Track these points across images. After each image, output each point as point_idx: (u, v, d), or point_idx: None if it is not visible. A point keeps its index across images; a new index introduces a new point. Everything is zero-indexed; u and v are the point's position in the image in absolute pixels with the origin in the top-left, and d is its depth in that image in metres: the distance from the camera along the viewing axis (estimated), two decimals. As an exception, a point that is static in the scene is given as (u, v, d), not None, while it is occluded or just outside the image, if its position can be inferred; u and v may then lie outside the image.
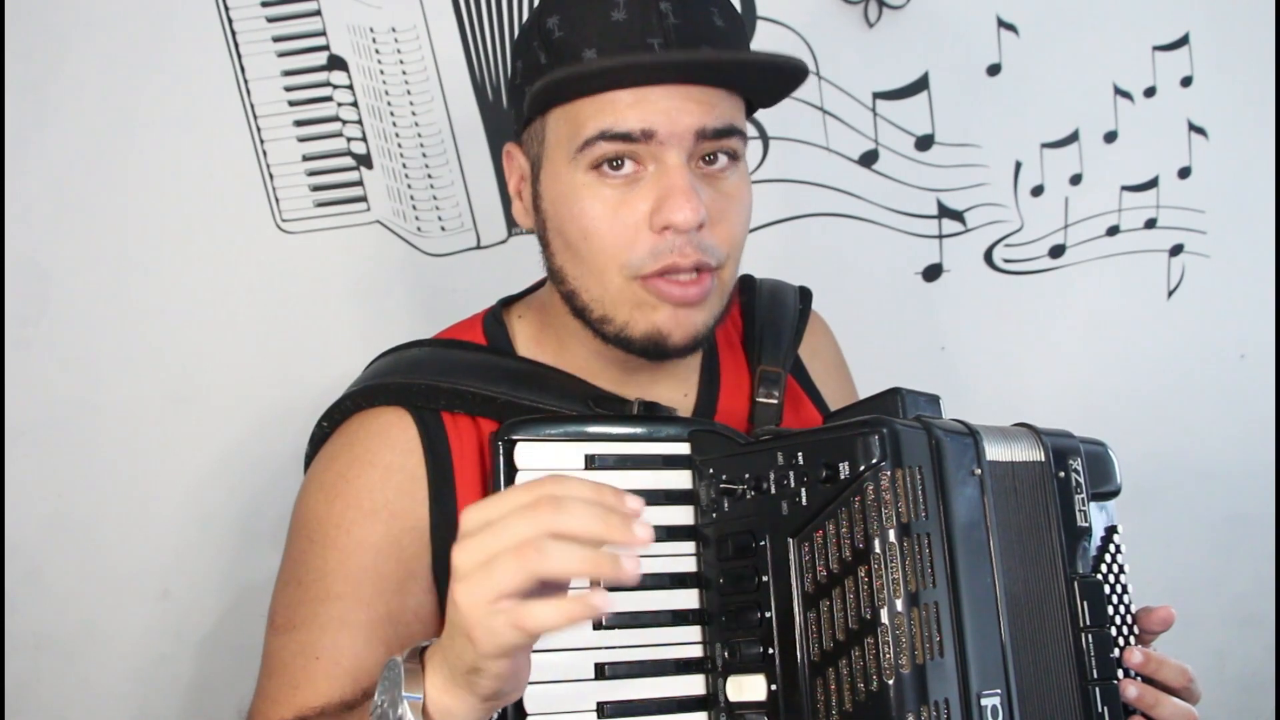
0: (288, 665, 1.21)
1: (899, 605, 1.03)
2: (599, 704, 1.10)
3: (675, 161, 1.20)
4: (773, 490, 1.11)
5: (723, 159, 1.25)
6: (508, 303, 1.45)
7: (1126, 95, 2.12)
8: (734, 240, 1.27)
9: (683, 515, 1.18)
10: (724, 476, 1.16)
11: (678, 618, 1.15)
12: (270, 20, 1.86)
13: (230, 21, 1.84)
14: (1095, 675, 1.18)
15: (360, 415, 1.31)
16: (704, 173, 1.24)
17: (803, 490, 1.09)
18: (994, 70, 2.07)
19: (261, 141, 1.86)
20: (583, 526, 0.89)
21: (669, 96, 1.20)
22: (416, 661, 1.00)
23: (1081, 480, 1.24)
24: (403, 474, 1.25)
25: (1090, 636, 1.19)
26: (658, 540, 1.15)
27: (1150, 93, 2.13)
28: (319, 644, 1.20)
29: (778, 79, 1.27)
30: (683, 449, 1.20)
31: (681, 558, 1.17)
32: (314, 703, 1.18)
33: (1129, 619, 1.26)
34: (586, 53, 1.20)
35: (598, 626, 1.12)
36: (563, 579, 0.91)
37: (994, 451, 1.16)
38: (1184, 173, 2.15)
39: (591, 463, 1.16)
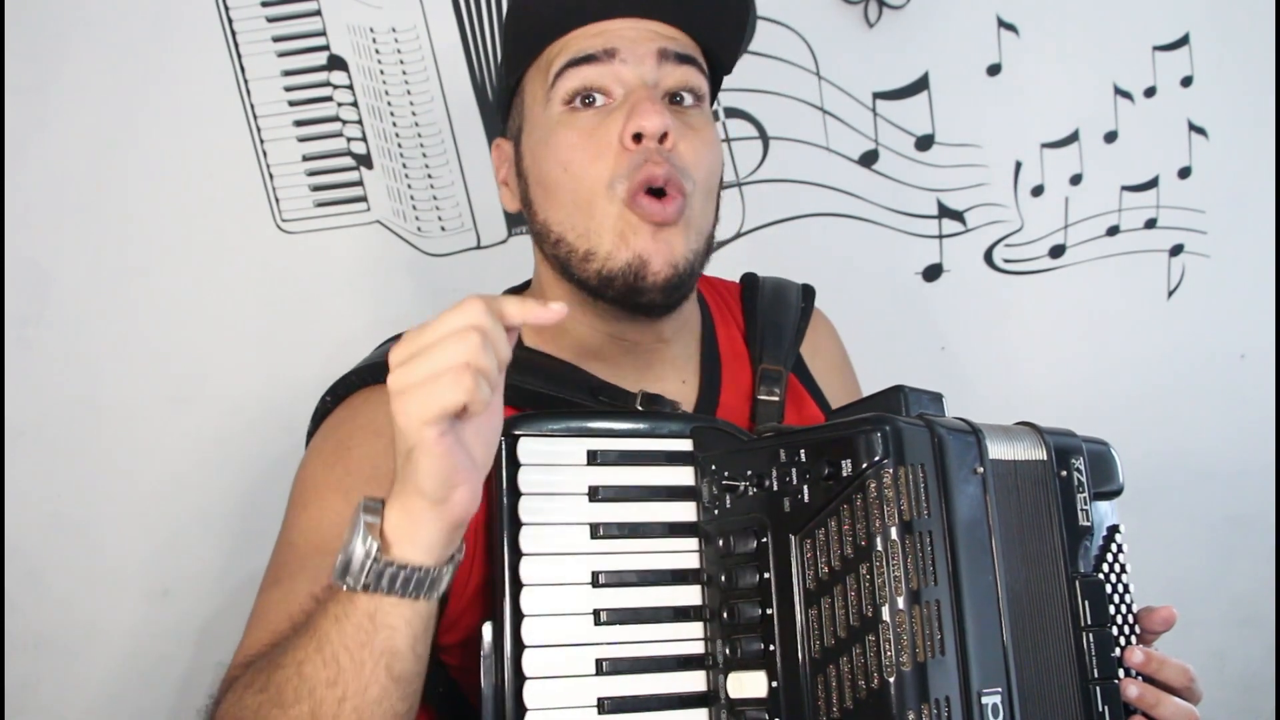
0: (270, 614, 1.19)
1: (900, 603, 1.03)
2: (599, 699, 1.10)
3: (639, 81, 1.29)
4: (775, 487, 1.11)
5: (688, 98, 1.33)
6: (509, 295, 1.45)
7: (1126, 95, 2.12)
8: (701, 167, 1.32)
9: (685, 511, 1.17)
10: (726, 473, 1.15)
11: (679, 614, 1.15)
12: (270, 20, 1.86)
13: (230, 21, 1.85)
14: (1096, 674, 1.18)
15: (365, 390, 1.32)
16: (671, 108, 1.31)
17: (805, 487, 1.09)
18: (994, 70, 2.08)
19: (261, 141, 1.86)
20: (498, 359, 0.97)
21: (629, 26, 1.31)
22: (378, 502, 1.02)
23: (1084, 479, 1.24)
24: None
25: (1091, 635, 1.19)
26: (659, 536, 1.16)
27: (1150, 93, 2.13)
28: (303, 592, 1.17)
29: (721, 13, 1.35)
30: (685, 445, 1.19)
31: (683, 554, 1.16)
32: None
33: (1130, 618, 1.26)
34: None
35: (599, 622, 1.12)
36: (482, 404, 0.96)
37: (996, 450, 1.15)
38: (1184, 173, 2.16)
39: (594, 458, 1.15)
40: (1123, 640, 1.23)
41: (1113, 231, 2.15)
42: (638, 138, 1.26)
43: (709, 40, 1.37)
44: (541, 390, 1.28)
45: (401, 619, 1.00)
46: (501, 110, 1.42)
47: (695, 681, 1.14)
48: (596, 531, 1.13)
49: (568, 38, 1.30)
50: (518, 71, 1.36)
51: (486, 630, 1.11)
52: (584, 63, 1.29)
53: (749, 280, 1.55)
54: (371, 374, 1.32)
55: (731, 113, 2.01)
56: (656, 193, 1.27)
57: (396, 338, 1.38)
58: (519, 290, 1.48)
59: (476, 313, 0.96)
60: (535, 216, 1.35)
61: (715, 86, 1.41)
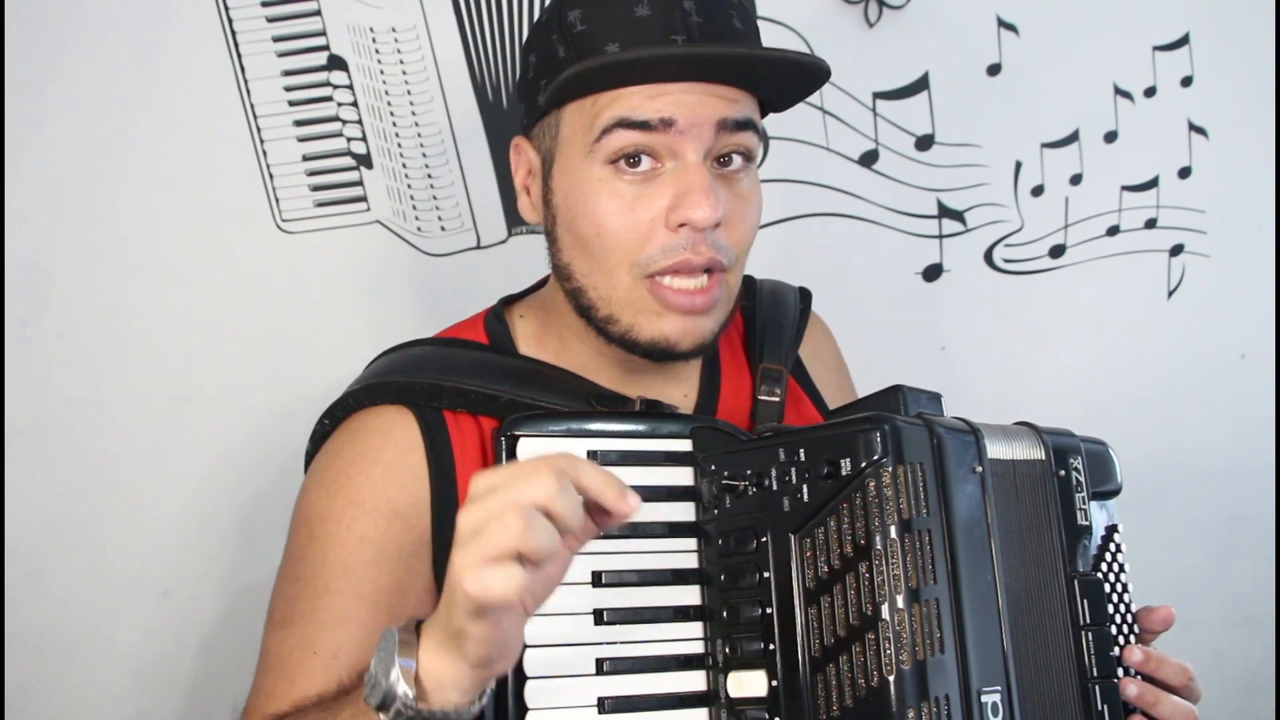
0: (285, 659, 1.21)
1: (900, 601, 1.03)
2: (600, 699, 1.10)
3: (694, 158, 1.21)
4: (774, 486, 1.11)
5: (737, 160, 1.25)
6: (509, 302, 1.44)
7: (1126, 95, 2.12)
8: (744, 242, 1.27)
9: (684, 512, 1.18)
10: (726, 473, 1.16)
11: (679, 613, 1.15)
12: (270, 20, 1.86)
13: (230, 21, 1.85)
14: (1095, 673, 1.18)
15: (362, 413, 1.31)
16: (719, 173, 1.24)
17: (804, 486, 1.09)
18: (994, 70, 2.08)
19: (261, 141, 1.86)
20: (569, 510, 0.91)
21: (689, 90, 1.20)
22: (412, 632, 1.00)
23: (1082, 479, 1.24)
24: (404, 471, 1.25)
25: (1090, 634, 1.19)
26: (660, 536, 1.16)
27: (1150, 93, 2.13)
28: (316, 638, 1.20)
29: (798, 79, 1.27)
30: (685, 446, 1.20)
31: (683, 554, 1.17)
32: (310, 696, 1.17)
33: (1129, 617, 1.26)
34: (609, 46, 1.20)
35: (599, 621, 1.12)
36: (540, 554, 0.91)
37: (995, 449, 1.16)
38: (1184, 173, 2.16)
39: (594, 459, 1.16)
40: (1122, 639, 1.23)
41: (1113, 231, 2.15)
42: (683, 223, 1.21)
43: (773, 97, 1.30)
44: (539, 400, 1.28)
45: None
46: (525, 105, 1.32)
47: (695, 681, 1.14)
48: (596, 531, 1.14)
49: (621, 90, 1.20)
50: (557, 101, 1.25)
51: (487, 629, 1.11)
52: (637, 128, 1.19)
53: (746, 282, 1.54)
54: (368, 395, 1.31)
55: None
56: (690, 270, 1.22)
57: (389, 352, 1.39)
58: (524, 296, 1.46)
59: (545, 485, 0.91)
60: (559, 254, 1.29)
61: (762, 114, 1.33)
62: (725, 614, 1.13)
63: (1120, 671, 1.20)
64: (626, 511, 0.94)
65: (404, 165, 1.91)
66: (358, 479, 1.25)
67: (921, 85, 2.05)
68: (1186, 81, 2.14)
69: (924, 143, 2.07)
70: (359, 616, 1.21)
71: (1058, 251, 2.14)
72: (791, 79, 1.26)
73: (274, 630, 1.25)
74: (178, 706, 1.85)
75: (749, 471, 1.14)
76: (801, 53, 1.24)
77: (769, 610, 1.10)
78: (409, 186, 1.91)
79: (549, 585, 0.97)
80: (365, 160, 1.89)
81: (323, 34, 1.87)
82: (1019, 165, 2.11)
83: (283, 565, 1.28)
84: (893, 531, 1.04)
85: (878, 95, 2.05)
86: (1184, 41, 2.13)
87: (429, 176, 1.92)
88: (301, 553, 1.26)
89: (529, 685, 1.08)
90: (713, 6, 1.22)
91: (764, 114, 1.33)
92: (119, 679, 1.83)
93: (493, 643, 0.94)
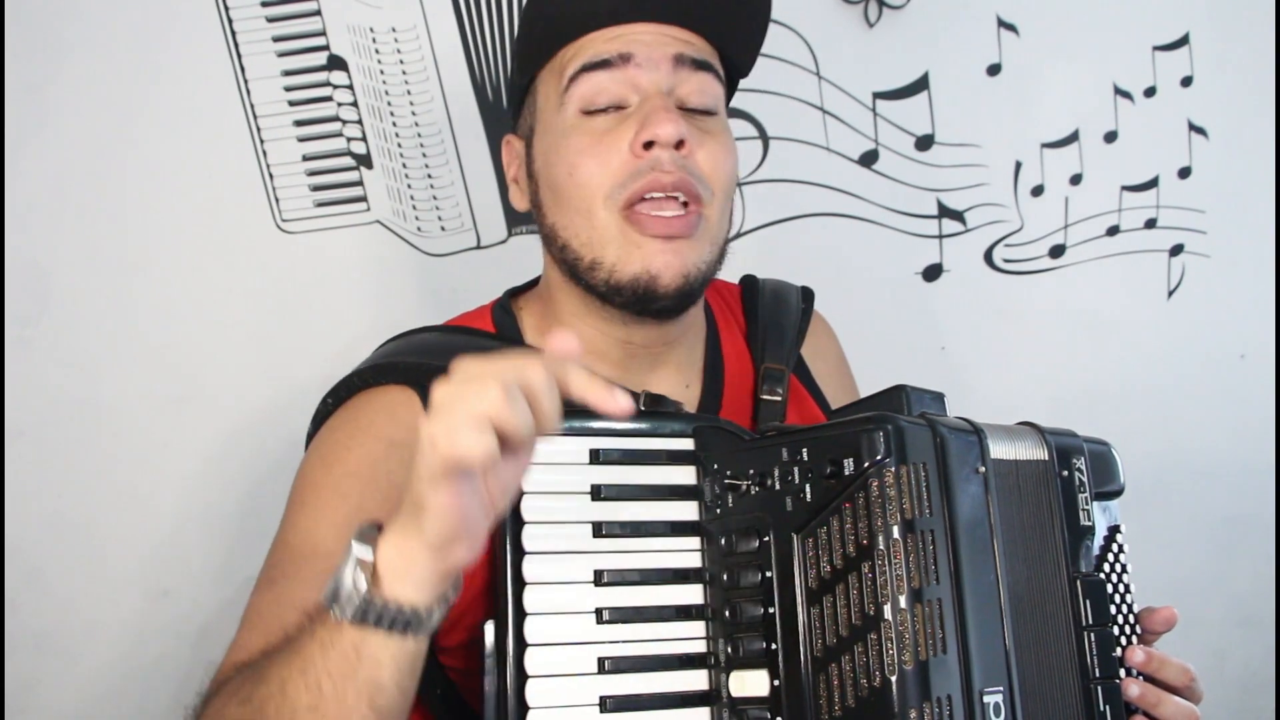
0: (263, 615, 1.20)
1: (902, 601, 1.03)
2: (602, 698, 1.10)
3: (654, 88, 1.27)
4: (777, 486, 1.11)
5: (704, 106, 1.31)
6: (514, 295, 1.45)
7: (1126, 95, 2.12)
8: (718, 175, 1.30)
9: (687, 511, 1.18)
10: (729, 472, 1.16)
11: (681, 613, 1.15)
12: (270, 20, 1.85)
13: (230, 21, 1.84)
14: (1097, 674, 1.18)
15: (366, 392, 1.31)
16: (686, 115, 1.29)
17: (807, 486, 1.09)
18: (994, 70, 2.08)
19: (261, 141, 1.86)
20: (549, 398, 0.92)
21: (646, 30, 1.29)
22: (374, 528, 1.01)
23: (1085, 479, 1.25)
24: (406, 450, 1.23)
25: (1093, 635, 1.19)
26: (662, 535, 1.16)
27: (1150, 93, 2.13)
28: (297, 596, 1.17)
29: (743, 9, 1.33)
30: (687, 445, 1.20)
31: (685, 553, 1.16)
32: None
33: (1131, 618, 1.26)
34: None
35: (601, 621, 1.12)
36: (514, 429, 0.91)
37: (998, 449, 1.16)
38: (1184, 173, 2.16)
39: (596, 457, 1.15)
40: (1124, 640, 1.23)
41: (1113, 231, 2.15)
42: (649, 145, 1.25)
43: (727, 44, 1.35)
44: None
45: (387, 654, 0.99)
46: (513, 107, 1.41)
47: (697, 680, 1.14)
48: (599, 530, 1.14)
49: (582, 41, 1.29)
50: (530, 71, 1.34)
51: (489, 629, 1.11)
52: (598, 68, 1.27)
53: (749, 282, 1.55)
54: (373, 375, 1.31)
55: (732, 113, 2.00)
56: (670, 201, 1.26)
57: (398, 338, 1.39)
58: (524, 290, 1.47)
59: (529, 370, 0.92)
60: (544, 219, 1.34)
61: (730, 90, 1.40)
62: (727, 613, 1.13)
63: (1122, 672, 1.21)
64: (615, 410, 0.94)
65: (404, 165, 1.91)
66: (357, 451, 1.26)
67: (921, 85, 2.06)
68: (1186, 81, 2.14)
69: (924, 143, 2.07)
70: None
71: (1058, 251, 2.14)
72: (732, 16, 1.33)
73: (258, 591, 1.24)
74: (177, 705, 1.84)
75: (752, 471, 1.14)
76: None
77: (771, 610, 1.10)
78: (409, 186, 1.91)
79: (512, 481, 0.98)
80: (365, 160, 1.89)
81: (323, 34, 1.87)
82: (1019, 165, 2.11)
83: (276, 534, 1.28)
84: (895, 531, 1.04)
85: (878, 95, 2.05)
86: (1184, 41, 2.13)
87: (429, 176, 1.92)
88: (294, 520, 1.26)
89: (530, 684, 1.08)
90: None
91: (733, 82, 1.40)
92: (119, 678, 1.83)
93: (453, 518, 0.93)
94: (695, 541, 1.17)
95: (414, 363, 1.30)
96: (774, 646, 1.09)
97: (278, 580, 1.22)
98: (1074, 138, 2.11)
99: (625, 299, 1.28)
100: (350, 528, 1.19)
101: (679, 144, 1.25)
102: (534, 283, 1.47)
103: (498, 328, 1.39)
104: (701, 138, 1.28)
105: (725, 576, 1.14)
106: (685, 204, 1.26)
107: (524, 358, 0.93)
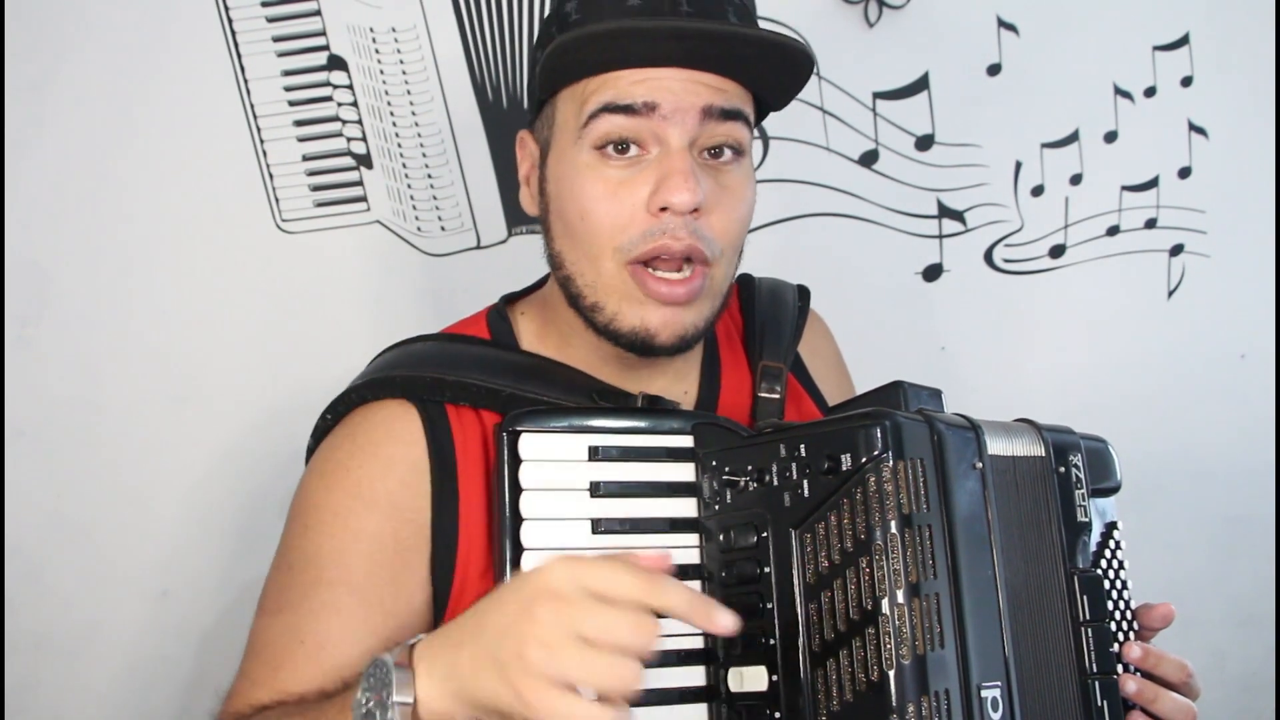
0: (271, 646, 1.20)
1: (900, 596, 1.03)
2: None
3: (678, 144, 1.22)
4: (775, 482, 1.11)
5: (728, 153, 1.26)
6: (511, 299, 1.45)
7: (1126, 95, 2.12)
8: (730, 235, 1.27)
9: (685, 507, 1.18)
10: (726, 469, 1.16)
11: (680, 610, 1.15)
12: (270, 20, 1.86)
13: (230, 21, 1.85)
14: (1095, 669, 1.18)
15: (364, 407, 1.30)
16: (707, 164, 1.25)
17: (805, 482, 1.09)
18: (994, 70, 2.08)
19: (261, 141, 1.86)
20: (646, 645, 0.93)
21: (675, 77, 1.21)
22: (406, 660, 1.00)
23: (1082, 476, 1.25)
24: (405, 465, 1.25)
25: (1090, 630, 1.19)
26: (660, 532, 1.16)
27: (1150, 93, 2.13)
28: (305, 627, 1.18)
29: (782, 63, 1.26)
30: (686, 441, 1.20)
31: (684, 549, 1.16)
32: (294, 688, 1.16)
33: (1128, 614, 1.26)
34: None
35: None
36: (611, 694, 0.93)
37: (995, 446, 1.16)
38: (1184, 173, 2.16)
39: (595, 455, 1.16)
40: (1121, 636, 1.23)
41: (1113, 231, 2.15)
42: (664, 208, 1.21)
43: (763, 90, 1.30)
44: (542, 397, 1.27)
45: None
46: (533, 105, 1.34)
47: (696, 676, 1.14)
48: (598, 527, 1.14)
49: (607, 76, 1.22)
50: (551, 89, 1.28)
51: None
52: (622, 112, 1.21)
53: (745, 281, 1.54)
54: (371, 391, 1.30)
55: (731, 113, 2.01)
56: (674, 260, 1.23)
57: (393, 348, 1.39)
58: (524, 294, 1.46)
59: (633, 590, 0.94)
60: (552, 242, 1.31)
61: (761, 114, 1.34)
62: (726, 609, 1.13)
63: (1120, 668, 1.20)
64: (720, 630, 0.96)
65: (404, 165, 1.91)
66: (357, 471, 1.25)
67: (921, 85, 2.06)
68: (1186, 81, 2.14)
69: (924, 143, 2.07)
70: (349, 608, 1.19)
71: (1058, 251, 2.14)
72: (775, 64, 1.26)
73: (263, 617, 1.24)
74: (177, 706, 1.85)
75: (750, 467, 1.14)
76: (777, 33, 1.24)
77: (769, 605, 1.10)
78: (409, 186, 1.91)
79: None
80: (365, 160, 1.90)
81: (323, 34, 1.87)
82: (1019, 165, 2.11)
83: (277, 554, 1.27)
84: (893, 526, 1.04)
85: (878, 95, 2.05)
86: (1184, 41, 2.13)
87: (429, 176, 1.92)
88: (296, 542, 1.25)
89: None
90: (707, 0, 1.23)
91: (763, 114, 1.34)
92: (119, 679, 1.83)
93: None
94: (694, 538, 1.17)
95: (409, 376, 1.30)
96: (772, 642, 1.09)
97: (284, 609, 1.22)
98: (1074, 138, 2.12)
99: (623, 345, 1.27)
100: (351, 554, 1.22)
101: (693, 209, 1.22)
102: (531, 288, 1.46)
103: (493, 334, 1.38)
104: (719, 195, 1.24)
105: (724, 572, 1.14)
106: (690, 261, 1.24)
107: (624, 575, 0.94)
